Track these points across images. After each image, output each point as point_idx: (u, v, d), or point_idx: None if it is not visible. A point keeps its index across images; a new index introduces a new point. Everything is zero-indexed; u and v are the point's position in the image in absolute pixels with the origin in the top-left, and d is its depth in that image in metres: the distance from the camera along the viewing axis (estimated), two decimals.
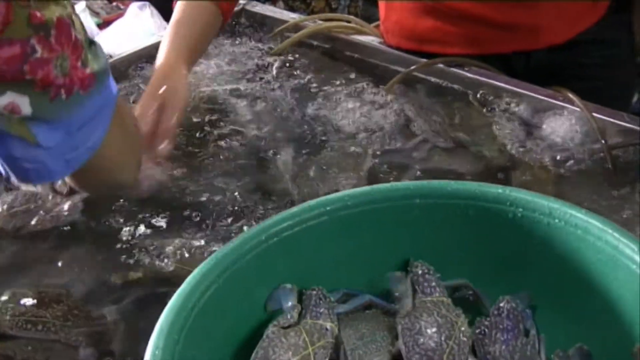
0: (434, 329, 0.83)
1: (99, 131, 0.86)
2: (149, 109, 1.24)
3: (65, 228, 1.18)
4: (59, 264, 1.12)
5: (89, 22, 2.19)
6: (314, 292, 0.88)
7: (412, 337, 0.83)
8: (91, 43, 0.83)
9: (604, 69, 1.56)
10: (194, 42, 1.37)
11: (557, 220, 0.86)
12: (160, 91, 1.25)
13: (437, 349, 0.81)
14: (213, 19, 1.42)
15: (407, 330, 0.84)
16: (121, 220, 1.18)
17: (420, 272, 0.90)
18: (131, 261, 1.11)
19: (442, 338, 0.82)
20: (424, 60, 1.50)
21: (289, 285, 0.88)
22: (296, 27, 1.63)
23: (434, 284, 0.88)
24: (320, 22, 1.64)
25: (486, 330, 0.84)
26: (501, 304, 0.86)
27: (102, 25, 2.23)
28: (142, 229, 1.17)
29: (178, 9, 1.39)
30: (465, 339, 0.83)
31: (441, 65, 1.48)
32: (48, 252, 1.15)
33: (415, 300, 0.87)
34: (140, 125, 1.15)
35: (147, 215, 1.19)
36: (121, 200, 1.21)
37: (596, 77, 1.52)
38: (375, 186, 0.94)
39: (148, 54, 1.55)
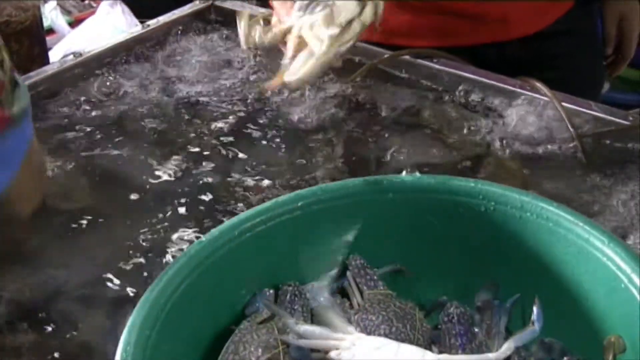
0: (395, 321, 0.84)
1: (7, 174, 0.86)
2: None
3: None
4: None
5: (60, 21, 2.17)
6: (290, 288, 0.88)
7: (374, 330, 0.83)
8: (16, 84, 0.82)
9: (573, 60, 1.58)
10: None
11: (528, 214, 0.87)
12: None
13: (405, 340, 0.82)
14: None
15: (364, 322, 0.84)
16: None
17: (359, 265, 0.90)
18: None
19: (408, 328, 0.83)
20: (390, 52, 1.50)
21: (269, 291, 0.88)
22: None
23: (375, 277, 0.89)
24: None
25: (439, 338, 0.85)
26: (450, 310, 0.87)
27: (74, 23, 2.22)
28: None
29: None
30: (426, 329, 0.84)
31: (408, 57, 1.48)
32: None
33: (363, 295, 0.88)
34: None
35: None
36: None
37: (565, 67, 1.54)
38: (347, 180, 0.94)
39: (118, 50, 1.55)
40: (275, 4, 1.29)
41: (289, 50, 1.25)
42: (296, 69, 1.22)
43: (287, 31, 1.25)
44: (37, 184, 0.99)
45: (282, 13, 1.26)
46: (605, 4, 1.64)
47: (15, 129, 0.81)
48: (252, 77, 1.49)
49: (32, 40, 1.61)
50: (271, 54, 1.53)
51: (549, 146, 1.27)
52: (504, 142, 1.29)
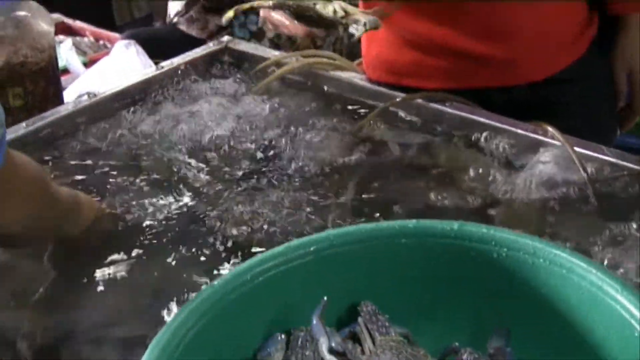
0: None
1: None
2: None
3: None
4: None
5: (75, 61, 2.19)
6: (301, 334, 0.88)
7: None
8: None
9: (584, 108, 1.57)
10: None
11: (541, 260, 0.86)
12: None
13: None
14: None
15: None
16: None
17: (370, 311, 0.90)
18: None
19: None
20: (403, 95, 1.50)
21: (280, 335, 0.88)
22: (277, 64, 1.64)
23: (387, 323, 0.89)
24: (302, 58, 1.65)
25: None
26: (464, 356, 0.87)
27: (89, 63, 2.24)
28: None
29: None
30: None
31: (420, 100, 1.49)
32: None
33: (375, 341, 0.88)
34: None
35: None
36: None
37: (577, 115, 1.53)
38: (360, 225, 0.94)
39: (132, 91, 1.56)
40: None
41: None
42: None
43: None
44: (39, 221, 0.99)
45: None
46: (615, 57, 1.63)
47: None
48: (264, 120, 1.49)
49: (47, 81, 1.62)
50: (283, 98, 1.55)
51: (562, 191, 1.27)
52: (517, 186, 1.29)
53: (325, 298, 0.88)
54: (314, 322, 0.87)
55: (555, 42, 1.54)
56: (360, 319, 0.90)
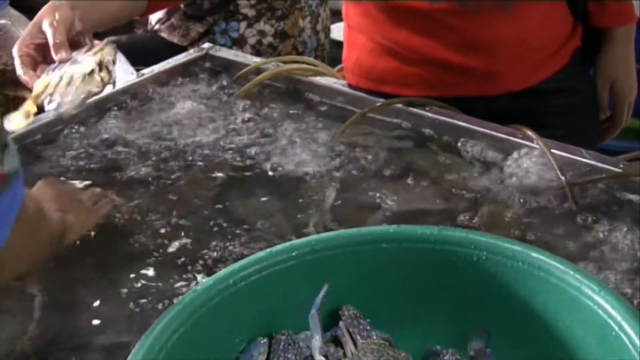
0: None
1: (3, 232, 0.86)
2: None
3: None
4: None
5: None
6: (283, 337, 0.89)
7: None
8: (5, 146, 0.83)
9: (566, 118, 1.58)
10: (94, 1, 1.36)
11: (520, 263, 0.88)
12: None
13: None
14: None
15: None
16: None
17: (352, 315, 0.91)
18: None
19: None
20: (382, 100, 1.51)
21: (262, 340, 0.89)
22: (258, 70, 1.64)
23: (368, 327, 0.90)
24: (282, 64, 1.65)
25: None
26: (445, 357, 0.88)
27: None
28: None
29: None
30: None
31: (400, 105, 1.50)
32: None
33: (357, 344, 0.88)
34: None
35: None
36: None
37: (558, 125, 1.53)
38: (341, 231, 0.95)
39: (113, 98, 1.56)
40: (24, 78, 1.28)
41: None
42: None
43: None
44: (30, 246, 0.98)
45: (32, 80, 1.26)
46: (597, 69, 1.63)
47: (7, 188, 0.82)
48: (245, 126, 1.50)
49: (27, 89, 1.62)
50: (263, 104, 1.55)
51: (541, 194, 1.28)
52: (496, 190, 1.30)
53: (328, 284, 0.89)
54: (312, 314, 0.88)
55: (537, 53, 1.54)
56: (341, 323, 0.91)
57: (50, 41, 1.20)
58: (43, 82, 1.14)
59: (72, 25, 1.25)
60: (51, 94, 1.13)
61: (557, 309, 0.86)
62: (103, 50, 1.19)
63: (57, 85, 1.12)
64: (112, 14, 1.39)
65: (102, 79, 1.14)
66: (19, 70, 1.22)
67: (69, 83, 1.12)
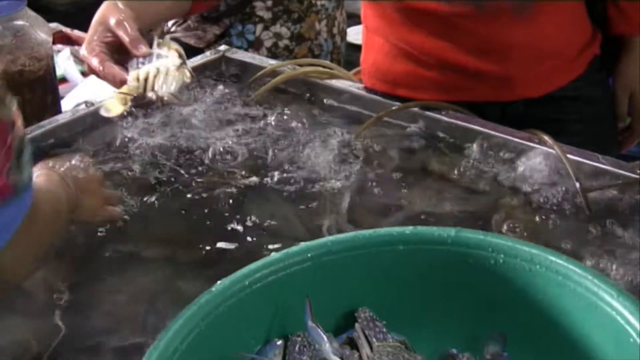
0: None
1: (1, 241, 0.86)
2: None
3: None
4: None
5: (73, 70, 2.19)
6: (298, 339, 0.88)
7: None
8: (21, 153, 0.82)
9: (583, 126, 1.56)
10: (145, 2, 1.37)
11: (538, 267, 0.87)
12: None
13: None
14: None
15: None
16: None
17: (368, 317, 0.91)
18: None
19: None
20: (397, 104, 1.51)
21: (278, 341, 0.89)
22: (274, 73, 1.65)
23: (384, 329, 0.90)
24: (298, 67, 1.65)
25: None
26: None
27: (87, 72, 2.23)
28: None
29: None
30: None
31: (416, 109, 1.49)
32: None
33: (372, 347, 0.88)
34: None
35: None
36: None
37: (574, 133, 1.51)
38: (358, 232, 0.95)
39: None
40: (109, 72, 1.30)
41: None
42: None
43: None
44: (35, 253, 0.98)
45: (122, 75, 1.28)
46: (616, 78, 1.62)
47: (16, 199, 0.81)
48: (260, 129, 1.50)
49: (45, 89, 1.62)
50: (279, 107, 1.55)
51: (557, 198, 1.27)
52: (513, 193, 1.29)
53: (307, 299, 0.89)
54: (310, 326, 0.88)
55: (554, 59, 1.53)
56: (357, 325, 0.91)
57: (126, 38, 1.23)
58: (137, 75, 1.21)
59: (135, 22, 1.27)
60: (152, 85, 1.22)
61: (574, 313, 0.86)
62: (172, 46, 1.27)
63: (157, 76, 1.21)
64: (161, 13, 1.42)
65: (189, 71, 1.24)
66: (98, 67, 1.24)
67: (166, 74, 1.21)
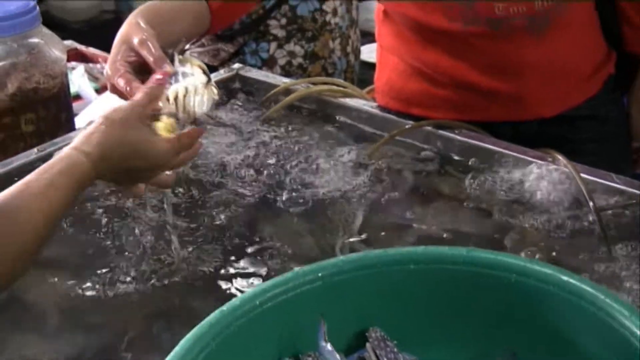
0: None
1: None
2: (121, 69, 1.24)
3: None
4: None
5: (87, 87, 2.20)
6: (309, 358, 0.88)
7: None
8: None
9: (596, 145, 1.55)
10: (162, 23, 1.34)
11: (550, 286, 0.87)
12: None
13: None
14: (198, 12, 1.42)
15: None
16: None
17: (379, 337, 0.90)
18: None
19: None
20: (411, 123, 1.51)
21: None
22: (287, 91, 1.65)
23: (395, 349, 0.89)
24: (311, 86, 1.66)
25: None
26: None
27: (101, 89, 2.24)
28: None
29: None
30: None
31: (428, 128, 1.49)
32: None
33: None
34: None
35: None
36: None
37: (588, 153, 1.50)
38: (369, 252, 0.95)
39: None
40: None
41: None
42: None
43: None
44: (19, 257, 0.98)
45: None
46: (631, 97, 1.61)
47: None
48: (274, 147, 1.50)
49: (59, 107, 1.63)
50: (293, 125, 1.55)
51: (570, 218, 1.27)
52: (524, 213, 1.29)
53: (322, 319, 0.89)
54: (322, 345, 0.87)
55: (567, 79, 1.52)
56: (368, 345, 0.90)
57: (150, 58, 1.23)
58: (167, 96, 1.18)
59: (158, 41, 1.28)
60: (183, 105, 1.19)
61: (587, 333, 0.85)
62: (194, 62, 1.25)
63: (186, 95, 1.19)
64: (182, 32, 1.42)
65: (215, 87, 1.22)
66: (125, 88, 1.23)
67: (195, 92, 1.19)
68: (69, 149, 1.03)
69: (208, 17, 1.44)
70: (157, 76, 1.17)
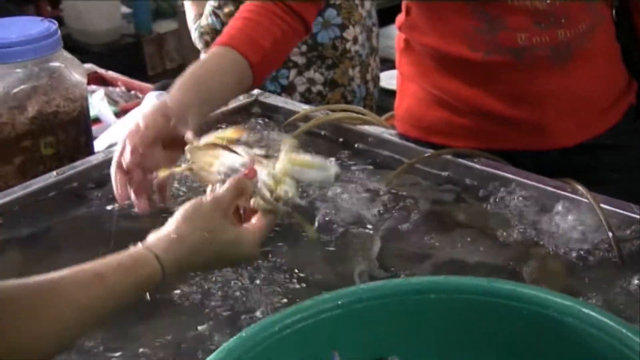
0: None
1: None
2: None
3: None
4: None
5: (106, 110, 2.21)
6: None
7: None
8: None
9: (617, 175, 1.55)
10: (207, 92, 1.38)
11: (570, 318, 0.86)
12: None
13: None
14: (239, 72, 1.43)
15: None
16: None
17: None
18: None
19: None
20: (430, 151, 1.51)
21: None
22: (306, 118, 1.65)
23: None
24: (331, 112, 1.66)
25: None
26: None
27: (120, 113, 2.26)
28: None
29: (204, 56, 1.40)
30: None
31: (448, 156, 1.49)
32: None
33: None
34: None
35: None
36: None
37: (610, 182, 1.49)
38: (388, 280, 0.95)
39: None
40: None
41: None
42: None
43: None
44: (58, 335, 0.98)
45: None
46: None
47: None
48: None
49: (78, 130, 1.64)
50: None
51: (589, 249, 1.26)
52: (544, 243, 1.28)
53: (335, 353, 0.88)
54: None
55: (589, 109, 1.52)
56: None
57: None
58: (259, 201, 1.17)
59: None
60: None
61: None
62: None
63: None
64: (227, 95, 1.45)
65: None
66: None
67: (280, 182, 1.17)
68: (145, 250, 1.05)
69: (250, 75, 1.44)
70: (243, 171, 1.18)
